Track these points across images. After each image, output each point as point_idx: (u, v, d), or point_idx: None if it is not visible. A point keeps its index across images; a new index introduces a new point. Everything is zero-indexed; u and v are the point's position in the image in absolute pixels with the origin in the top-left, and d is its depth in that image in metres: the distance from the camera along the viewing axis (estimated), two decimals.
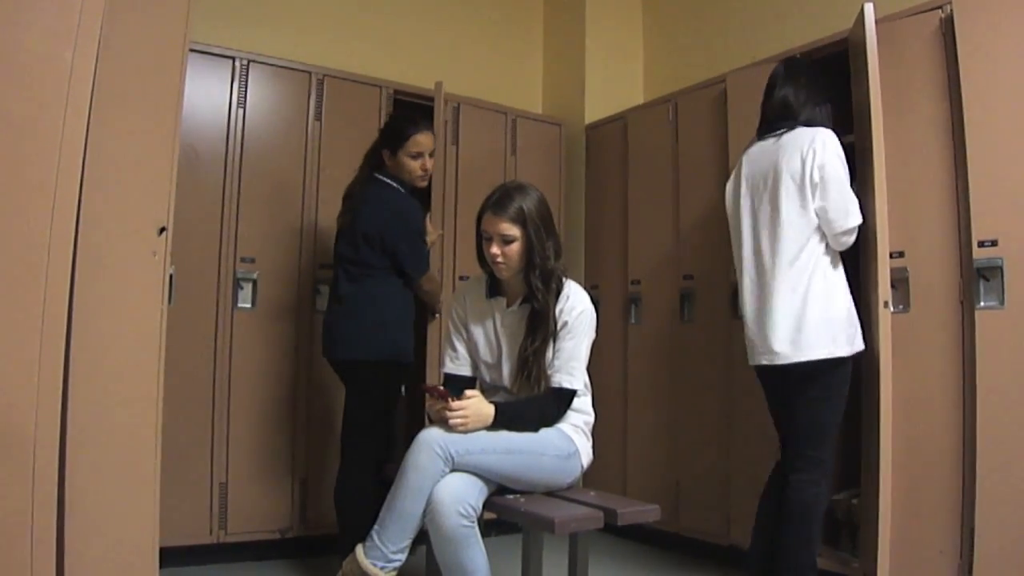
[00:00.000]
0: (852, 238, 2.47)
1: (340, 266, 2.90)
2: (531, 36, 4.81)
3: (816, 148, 2.47)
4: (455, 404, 2.13)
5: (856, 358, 2.49)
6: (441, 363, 2.51)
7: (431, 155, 2.93)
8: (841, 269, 2.52)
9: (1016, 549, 2.34)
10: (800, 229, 2.48)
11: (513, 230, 2.26)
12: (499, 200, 2.30)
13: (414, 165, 2.89)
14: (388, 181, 2.89)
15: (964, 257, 2.54)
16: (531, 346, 2.28)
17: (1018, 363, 2.39)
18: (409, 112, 3.19)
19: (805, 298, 2.45)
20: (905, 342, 2.58)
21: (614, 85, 4.49)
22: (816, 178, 2.46)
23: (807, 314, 2.44)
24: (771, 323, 2.51)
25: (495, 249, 2.28)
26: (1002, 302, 2.43)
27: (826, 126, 2.53)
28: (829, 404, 2.46)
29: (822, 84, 2.65)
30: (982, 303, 2.47)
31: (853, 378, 2.51)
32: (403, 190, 2.90)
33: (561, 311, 2.30)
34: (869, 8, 2.54)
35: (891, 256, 2.56)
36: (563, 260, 2.38)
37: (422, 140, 2.89)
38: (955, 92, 2.57)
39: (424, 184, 3.00)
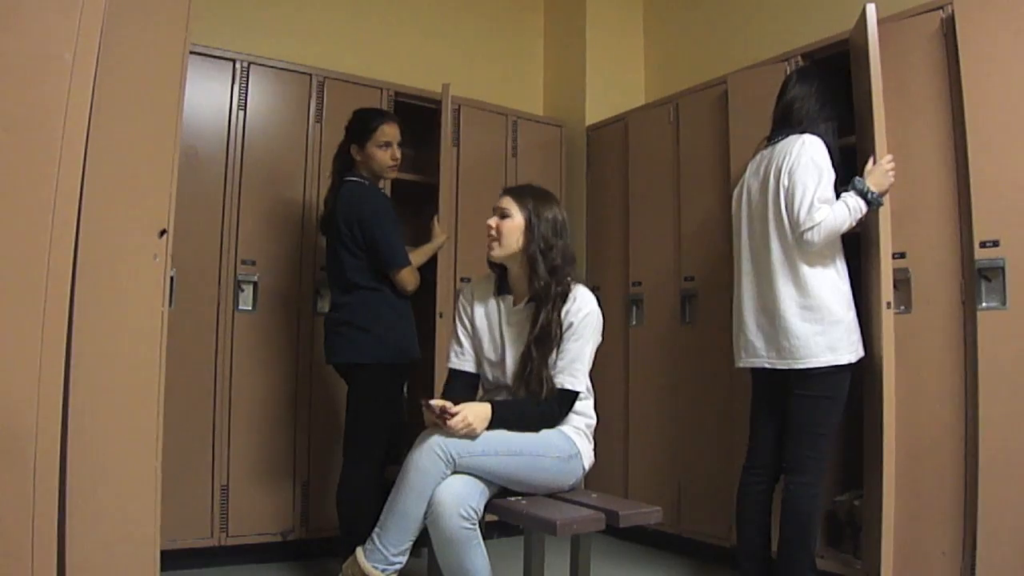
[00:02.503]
0: (814, 236, 2.40)
1: (330, 279, 2.93)
2: (532, 37, 4.81)
3: (793, 152, 2.49)
4: (451, 422, 2.10)
5: (856, 363, 2.50)
6: (447, 358, 2.51)
7: (399, 145, 2.96)
8: (842, 276, 2.52)
9: (1019, 550, 2.34)
10: (790, 235, 2.49)
11: (512, 207, 2.32)
12: (516, 186, 2.44)
13: (384, 155, 2.91)
14: (355, 179, 2.89)
15: (966, 258, 2.54)
16: (535, 346, 2.27)
17: (1020, 364, 2.39)
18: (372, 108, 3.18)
19: (805, 306, 2.46)
20: (907, 343, 2.58)
21: (615, 86, 4.49)
22: (786, 183, 2.49)
23: (807, 322, 2.45)
24: (770, 328, 2.54)
25: (491, 221, 2.33)
26: (1004, 303, 2.43)
27: (819, 133, 2.52)
28: (828, 406, 2.46)
29: (833, 95, 2.64)
30: (984, 304, 2.47)
31: (854, 380, 2.51)
32: (369, 183, 2.91)
33: (567, 312, 2.29)
34: (871, 9, 2.53)
35: (893, 257, 2.55)
36: (573, 267, 2.37)
37: (388, 130, 2.92)
38: (956, 92, 2.57)
39: (393, 175, 3.06)
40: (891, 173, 2.52)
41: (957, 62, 2.55)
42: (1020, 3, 2.46)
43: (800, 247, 2.47)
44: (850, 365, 2.46)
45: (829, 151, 2.50)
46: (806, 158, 2.46)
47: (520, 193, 2.36)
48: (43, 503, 1.79)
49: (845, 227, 2.45)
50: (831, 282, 2.48)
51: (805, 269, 2.47)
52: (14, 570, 1.74)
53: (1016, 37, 2.46)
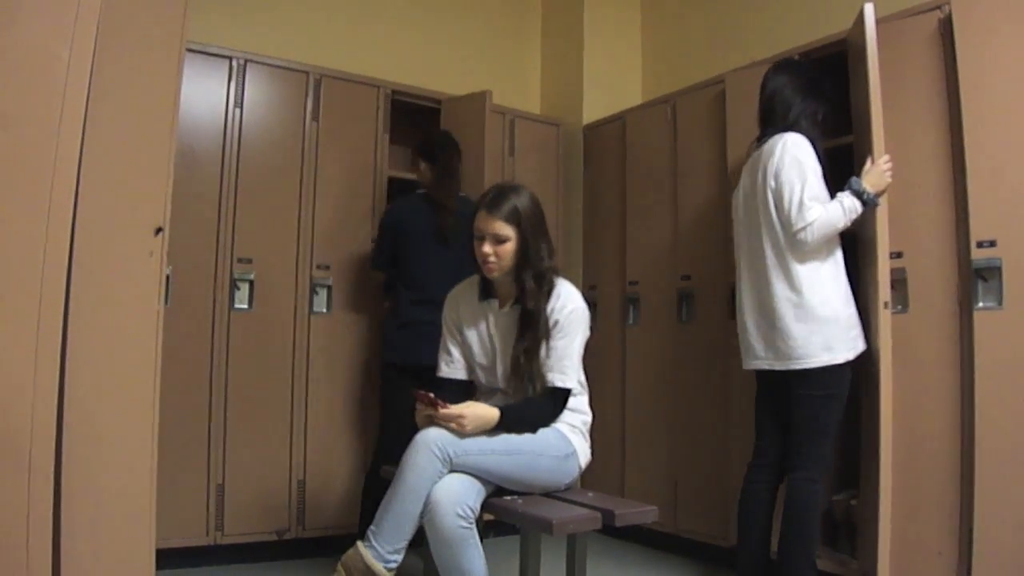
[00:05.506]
0: (807, 236, 2.42)
1: (433, 281, 2.93)
2: (530, 36, 4.81)
3: (776, 153, 2.50)
4: (443, 412, 2.12)
5: (856, 359, 2.50)
6: (436, 368, 2.49)
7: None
8: (838, 273, 2.52)
9: (1015, 550, 2.34)
10: (781, 236, 2.51)
11: (507, 230, 2.25)
12: (494, 199, 2.28)
13: None
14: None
15: (962, 258, 2.53)
16: (523, 347, 2.27)
17: (1016, 364, 2.39)
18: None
19: (799, 305, 2.47)
20: (903, 343, 2.57)
21: (612, 85, 4.49)
22: (773, 184, 2.50)
23: (801, 322, 2.46)
24: (768, 330, 2.55)
25: (487, 248, 2.26)
26: (1000, 303, 2.43)
27: (801, 130, 2.53)
28: (829, 404, 2.47)
29: (812, 83, 2.64)
30: (980, 304, 2.47)
31: (853, 378, 2.51)
32: None
33: (552, 310, 2.29)
34: (869, 9, 2.54)
35: (890, 256, 2.55)
36: (555, 260, 2.35)
37: None
38: (953, 92, 2.56)
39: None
40: (888, 173, 2.52)
41: (954, 62, 2.54)
42: (1017, 3, 2.46)
43: (794, 247, 2.47)
44: (849, 362, 2.46)
45: (815, 146, 2.50)
46: (789, 157, 2.47)
47: (507, 210, 2.25)
48: (38, 501, 1.79)
49: (840, 226, 2.46)
50: (824, 280, 2.48)
51: (798, 268, 2.48)
52: (10, 569, 1.73)
53: (1013, 37, 2.46)
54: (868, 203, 2.48)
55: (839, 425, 2.51)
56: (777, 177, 2.48)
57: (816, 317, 2.44)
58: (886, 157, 2.52)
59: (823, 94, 2.65)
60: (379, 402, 3.36)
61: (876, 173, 2.50)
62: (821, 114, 2.63)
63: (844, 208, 2.45)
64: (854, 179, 2.50)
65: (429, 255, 3.03)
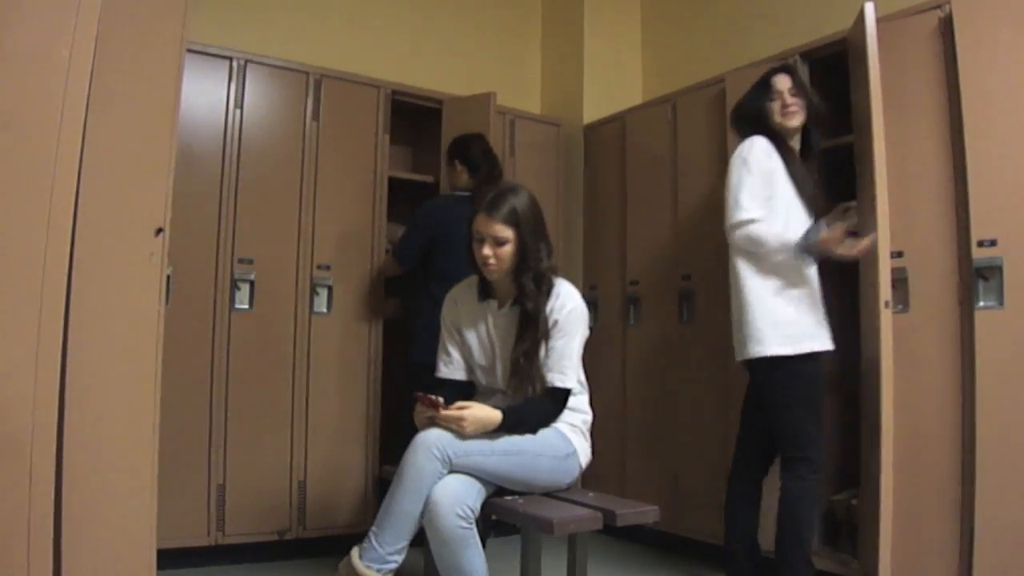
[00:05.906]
0: (741, 233, 2.50)
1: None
2: (530, 36, 4.80)
3: (732, 155, 2.61)
4: (444, 413, 2.12)
5: (849, 359, 2.51)
6: (435, 369, 2.49)
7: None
8: (793, 274, 2.53)
9: (1016, 549, 2.34)
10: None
11: (506, 232, 2.24)
12: (492, 201, 2.27)
13: None
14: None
15: (963, 257, 2.53)
16: (522, 347, 2.27)
17: (1017, 363, 2.39)
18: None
19: (738, 299, 2.58)
20: (904, 342, 2.57)
21: (613, 85, 4.49)
22: (726, 184, 2.60)
23: (742, 316, 2.56)
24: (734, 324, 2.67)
25: (487, 251, 2.26)
26: (1001, 302, 2.43)
27: (755, 131, 2.58)
28: (784, 401, 2.52)
29: (758, 84, 2.69)
30: (981, 303, 2.47)
31: (852, 378, 2.52)
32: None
33: (552, 310, 2.28)
34: (869, 8, 2.54)
35: (890, 256, 2.55)
36: (553, 260, 2.35)
37: None
38: (954, 92, 2.57)
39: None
40: (856, 252, 2.47)
41: (955, 61, 2.55)
42: (1018, 3, 2.46)
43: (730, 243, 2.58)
44: (793, 357, 2.47)
45: (777, 144, 2.55)
46: (739, 159, 2.56)
47: (504, 209, 2.25)
48: (39, 503, 1.78)
49: (769, 246, 2.48)
50: (759, 273, 2.54)
51: (739, 263, 2.58)
52: (11, 569, 1.73)
53: (1014, 36, 2.46)
54: (802, 252, 2.46)
55: (814, 420, 2.51)
56: (728, 177, 2.58)
57: (747, 310, 2.54)
58: (868, 241, 2.46)
59: (770, 89, 2.65)
60: (384, 402, 3.36)
61: (835, 238, 2.43)
62: (773, 106, 2.62)
63: (781, 237, 2.47)
64: (819, 226, 2.45)
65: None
